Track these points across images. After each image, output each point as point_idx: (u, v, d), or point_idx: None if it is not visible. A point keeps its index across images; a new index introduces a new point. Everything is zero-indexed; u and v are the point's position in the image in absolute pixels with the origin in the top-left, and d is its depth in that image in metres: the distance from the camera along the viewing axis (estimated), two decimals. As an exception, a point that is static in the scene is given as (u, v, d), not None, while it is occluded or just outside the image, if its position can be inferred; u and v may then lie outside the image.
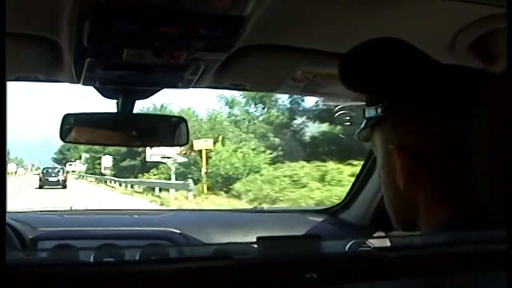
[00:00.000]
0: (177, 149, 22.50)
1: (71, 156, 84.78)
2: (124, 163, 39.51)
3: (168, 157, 27.44)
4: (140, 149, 25.55)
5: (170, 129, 1.68)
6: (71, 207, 2.66)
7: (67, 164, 73.93)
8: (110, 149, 37.74)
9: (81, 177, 56.72)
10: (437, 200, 0.79)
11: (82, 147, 62.46)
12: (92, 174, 50.15)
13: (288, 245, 0.55)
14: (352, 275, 0.54)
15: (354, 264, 0.54)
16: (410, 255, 0.55)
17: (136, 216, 2.28)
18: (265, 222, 2.21)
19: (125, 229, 2.01)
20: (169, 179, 26.87)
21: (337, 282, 0.54)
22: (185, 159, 27.53)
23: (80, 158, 71.94)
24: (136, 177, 33.44)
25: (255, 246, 0.53)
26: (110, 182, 36.36)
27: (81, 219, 2.29)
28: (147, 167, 33.85)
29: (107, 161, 43.54)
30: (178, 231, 1.90)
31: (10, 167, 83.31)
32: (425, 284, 0.62)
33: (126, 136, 1.64)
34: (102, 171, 44.21)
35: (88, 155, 59.65)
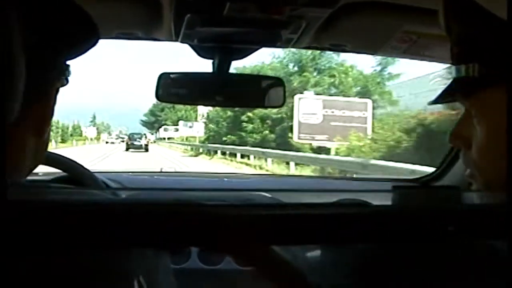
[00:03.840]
0: None
1: (167, 117, 67.41)
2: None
3: None
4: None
5: (266, 90, 1.65)
6: (161, 169, 2.73)
7: (161, 128, 60.86)
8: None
9: (213, 153, 29.43)
10: None
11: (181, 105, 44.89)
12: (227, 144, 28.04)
13: (426, 195, 0.51)
14: (492, 230, 0.49)
15: (495, 219, 0.49)
16: None
17: (225, 179, 2.29)
18: (357, 190, 2.16)
19: (215, 192, 2.02)
20: None
21: (479, 237, 0.50)
22: None
23: (187, 118, 50.69)
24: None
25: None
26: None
27: (171, 181, 2.33)
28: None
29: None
30: (269, 195, 1.88)
31: (90, 132, 79.38)
32: None
33: (222, 96, 1.63)
34: (297, 138, 19.89)
35: (210, 111, 35.76)
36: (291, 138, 20.92)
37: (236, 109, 26.42)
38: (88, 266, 0.57)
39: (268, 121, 27.15)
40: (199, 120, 41.48)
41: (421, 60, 1.67)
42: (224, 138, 30.24)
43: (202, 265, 1.76)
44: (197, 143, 37.97)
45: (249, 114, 27.27)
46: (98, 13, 1.24)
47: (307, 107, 19.43)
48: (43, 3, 0.66)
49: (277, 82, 1.68)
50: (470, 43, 0.77)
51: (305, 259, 0.77)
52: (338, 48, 1.63)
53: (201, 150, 33.31)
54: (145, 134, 45.19)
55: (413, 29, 1.43)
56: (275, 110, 22.68)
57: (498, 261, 0.56)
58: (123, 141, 58.03)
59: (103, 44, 1.82)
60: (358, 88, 25.71)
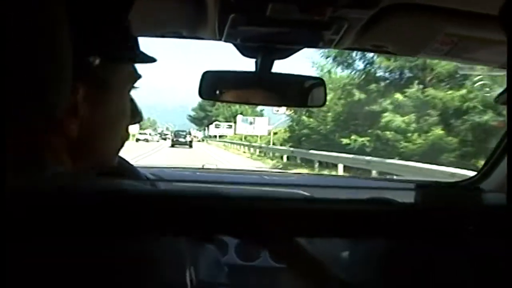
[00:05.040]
0: None
1: (218, 112, 59.00)
2: None
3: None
4: None
5: (308, 90, 1.67)
6: (203, 165, 2.78)
7: (212, 125, 53.48)
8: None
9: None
10: None
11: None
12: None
13: (448, 193, 0.52)
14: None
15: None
16: None
17: (266, 176, 2.31)
18: (396, 190, 2.15)
19: (256, 189, 2.04)
20: None
21: (498, 237, 0.51)
22: None
23: (242, 113, 40.51)
24: None
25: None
26: None
27: (213, 177, 2.37)
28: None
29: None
30: (306, 193, 1.90)
31: (131, 128, 79.68)
32: None
33: (264, 95, 1.66)
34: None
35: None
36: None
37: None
38: (140, 255, 0.60)
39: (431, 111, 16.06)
40: (275, 111, 29.47)
41: (462, 62, 1.66)
42: (344, 141, 18.07)
43: (239, 260, 1.78)
44: (271, 145, 27.87)
45: (397, 95, 16.14)
46: (144, 12, 1.28)
47: None
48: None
49: (319, 82, 1.70)
50: None
51: (333, 257, 0.80)
52: (380, 49, 1.64)
53: (284, 158, 22.26)
54: (189, 132, 46.45)
55: (454, 32, 1.43)
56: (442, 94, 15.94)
57: None
58: (164, 139, 55.22)
59: (151, 41, 1.86)
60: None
